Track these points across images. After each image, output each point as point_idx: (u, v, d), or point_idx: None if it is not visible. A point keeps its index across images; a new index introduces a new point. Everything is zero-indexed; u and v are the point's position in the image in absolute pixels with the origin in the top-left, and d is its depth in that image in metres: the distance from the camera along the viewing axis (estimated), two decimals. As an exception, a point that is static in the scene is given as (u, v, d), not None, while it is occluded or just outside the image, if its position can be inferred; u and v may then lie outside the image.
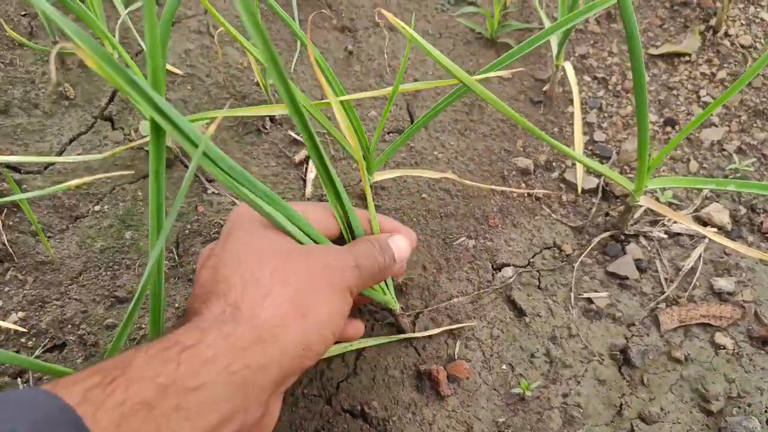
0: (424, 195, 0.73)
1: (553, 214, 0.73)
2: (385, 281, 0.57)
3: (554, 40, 0.76)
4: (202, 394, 0.36)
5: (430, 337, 0.63)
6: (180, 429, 0.34)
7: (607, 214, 0.72)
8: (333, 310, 0.44)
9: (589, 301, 0.66)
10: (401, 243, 0.52)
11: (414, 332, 0.63)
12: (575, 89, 0.74)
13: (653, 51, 0.86)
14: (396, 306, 0.59)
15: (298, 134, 0.77)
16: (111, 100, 0.81)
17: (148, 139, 0.76)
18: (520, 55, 0.56)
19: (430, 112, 0.59)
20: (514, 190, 0.74)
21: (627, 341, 0.63)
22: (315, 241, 0.49)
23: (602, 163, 0.76)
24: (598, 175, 0.74)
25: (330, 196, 0.49)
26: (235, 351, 0.38)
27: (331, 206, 0.50)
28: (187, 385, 0.35)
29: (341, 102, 0.57)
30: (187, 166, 0.74)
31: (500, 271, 0.68)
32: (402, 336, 0.62)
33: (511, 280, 0.67)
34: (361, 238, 0.52)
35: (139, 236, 0.68)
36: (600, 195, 0.73)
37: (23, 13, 0.85)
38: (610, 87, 0.83)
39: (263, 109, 0.66)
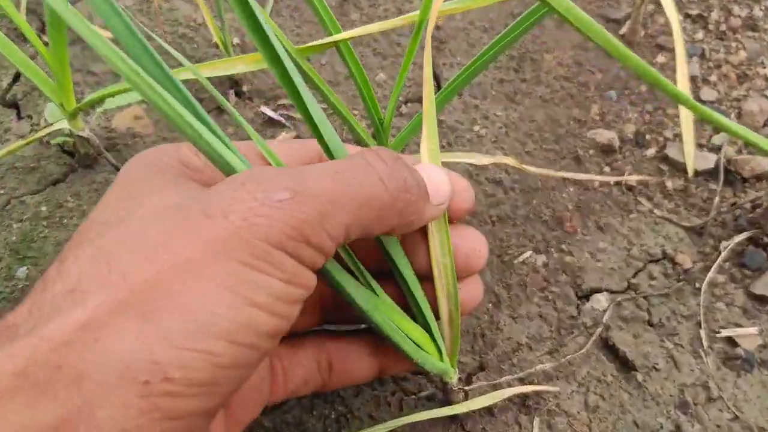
0: (464, 190, 0.50)
1: (656, 210, 0.49)
2: (442, 333, 0.35)
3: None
4: None
5: (491, 413, 0.40)
6: None
7: (734, 205, 0.49)
8: (221, 300, 0.23)
9: (731, 342, 0.43)
10: (433, 171, 0.31)
11: (466, 406, 0.40)
12: (676, 25, 0.50)
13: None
14: (454, 376, 0.36)
15: (274, 110, 0.54)
16: (16, 79, 0.59)
17: (56, 128, 0.53)
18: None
19: (465, 69, 0.36)
20: (594, 177, 0.50)
21: (800, 406, 0.41)
22: None
23: (716, 134, 0.53)
24: (717, 149, 0.51)
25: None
26: None
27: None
28: None
29: (337, 43, 0.34)
30: (114, 165, 0.51)
31: (588, 300, 0.45)
32: (450, 412, 0.39)
33: (606, 314, 0.44)
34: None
35: (38, 274, 0.45)
36: (722, 178, 0.50)
37: None
38: (710, 27, 0.60)
39: (222, 64, 0.44)
